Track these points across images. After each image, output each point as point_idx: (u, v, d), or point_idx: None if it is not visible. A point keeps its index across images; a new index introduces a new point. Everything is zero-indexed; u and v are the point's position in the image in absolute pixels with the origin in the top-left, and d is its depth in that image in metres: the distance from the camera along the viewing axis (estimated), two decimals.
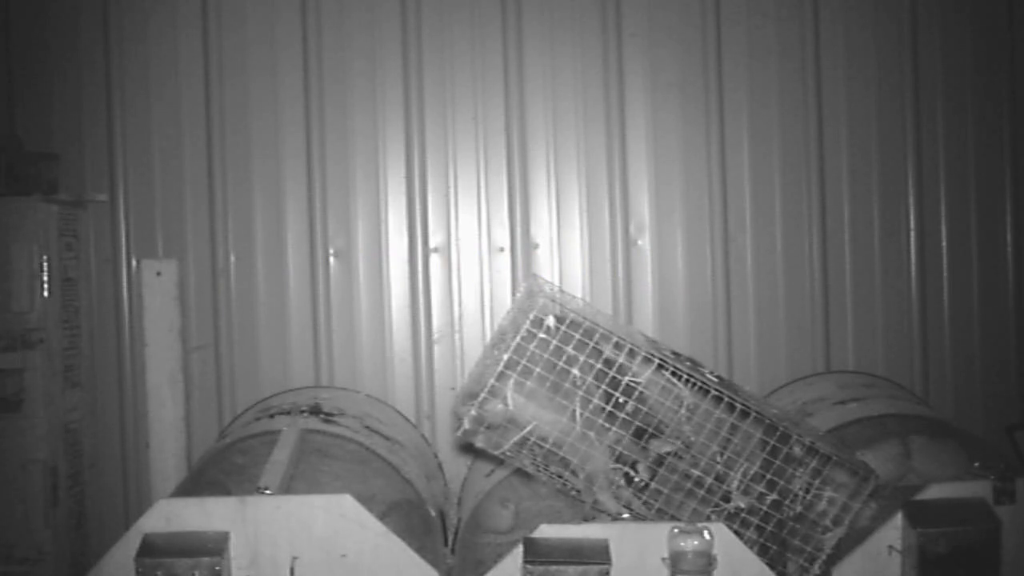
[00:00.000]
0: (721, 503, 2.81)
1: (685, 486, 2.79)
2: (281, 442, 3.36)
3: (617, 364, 2.70)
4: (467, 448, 3.01)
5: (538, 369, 2.66)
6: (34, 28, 4.71)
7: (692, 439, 2.75)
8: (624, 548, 2.68)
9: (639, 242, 4.78)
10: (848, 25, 4.80)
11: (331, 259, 4.74)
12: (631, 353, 2.70)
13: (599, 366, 2.71)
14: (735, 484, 2.80)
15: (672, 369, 2.72)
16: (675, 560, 2.63)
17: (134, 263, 4.69)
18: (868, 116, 4.82)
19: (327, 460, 3.35)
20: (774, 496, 2.80)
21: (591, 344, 2.70)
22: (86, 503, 4.52)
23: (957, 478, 3.15)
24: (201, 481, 3.30)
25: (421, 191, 4.75)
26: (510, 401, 2.66)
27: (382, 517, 2.93)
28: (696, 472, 2.78)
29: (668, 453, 2.78)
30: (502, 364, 2.65)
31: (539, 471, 2.81)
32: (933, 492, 2.95)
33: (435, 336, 4.74)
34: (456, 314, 4.74)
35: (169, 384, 4.49)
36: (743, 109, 4.79)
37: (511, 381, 2.66)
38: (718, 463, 2.78)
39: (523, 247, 4.76)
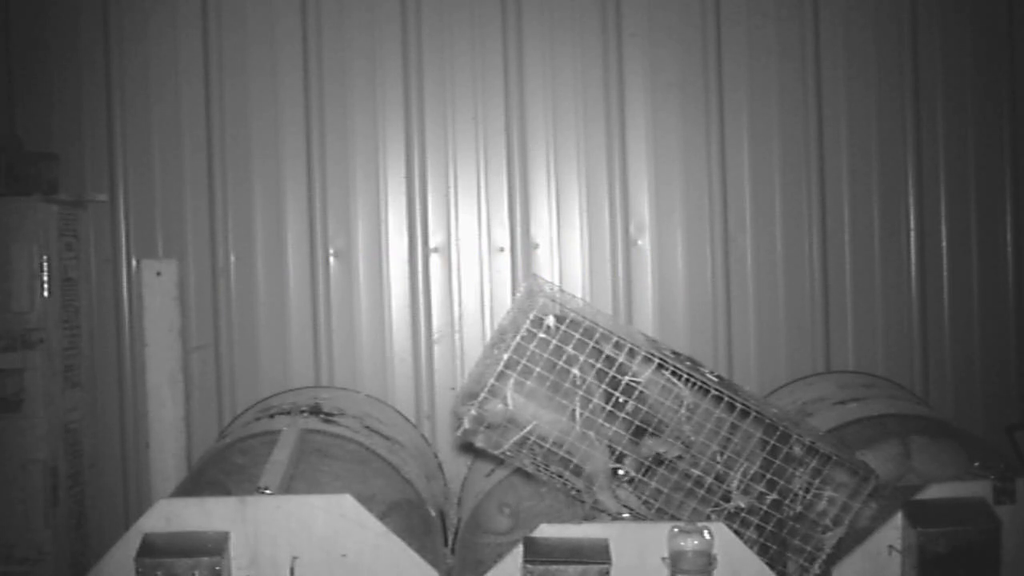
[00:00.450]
0: (721, 502, 2.81)
1: (685, 485, 2.79)
2: (281, 442, 3.36)
3: (617, 363, 2.70)
4: (467, 448, 3.01)
5: (538, 369, 2.66)
6: (34, 28, 4.71)
7: (692, 438, 2.75)
8: (624, 548, 2.68)
9: (639, 242, 4.78)
10: (848, 25, 4.80)
11: (331, 259, 4.74)
12: (631, 353, 2.70)
13: (599, 366, 2.70)
14: (735, 483, 2.79)
15: (672, 368, 2.72)
16: (675, 560, 2.63)
17: (134, 263, 4.69)
18: (868, 116, 4.82)
19: (327, 460, 3.35)
20: (774, 496, 2.80)
21: (591, 344, 2.70)
22: (86, 503, 4.52)
23: (957, 478, 3.14)
24: (201, 481, 3.30)
25: (421, 191, 4.75)
26: (510, 401, 2.66)
27: (382, 517, 2.93)
28: (696, 472, 2.78)
29: (662, 454, 2.78)
30: (502, 364, 2.65)
31: (539, 471, 2.81)
32: (933, 492, 2.94)
33: (435, 336, 4.74)
34: (456, 314, 4.74)
35: (169, 384, 4.49)
36: (743, 109, 4.79)
37: (511, 381, 2.66)
38: (718, 463, 2.78)
39: (523, 247, 4.76)
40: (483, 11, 4.75)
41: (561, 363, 2.67)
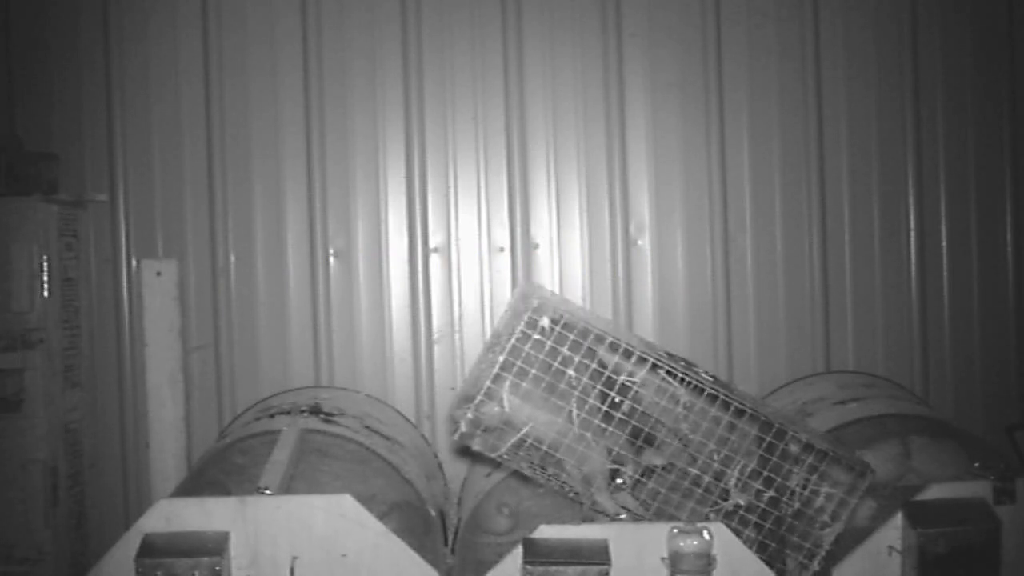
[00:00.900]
0: (720, 501, 2.81)
1: (683, 485, 2.79)
2: (281, 442, 3.36)
3: (612, 364, 2.69)
4: (466, 449, 3.01)
5: (533, 371, 2.66)
6: (34, 28, 4.71)
7: (690, 437, 2.75)
8: (623, 548, 2.68)
9: (639, 242, 4.78)
10: (848, 25, 4.80)
11: (331, 259, 4.74)
12: (626, 353, 2.70)
13: (594, 366, 2.70)
14: (733, 481, 2.79)
15: (667, 368, 2.72)
16: (674, 560, 2.63)
17: (134, 263, 4.69)
18: (868, 116, 4.82)
19: (327, 460, 3.35)
20: (772, 493, 2.80)
21: (586, 344, 2.69)
22: (86, 503, 4.52)
23: (957, 478, 3.15)
24: (201, 481, 3.30)
25: (421, 191, 4.75)
26: (506, 403, 2.65)
27: (382, 517, 2.93)
28: (694, 471, 2.78)
29: (658, 467, 2.78)
30: (497, 366, 2.65)
31: (536, 473, 2.81)
32: (933, 492, 2.95)
33: (435, 336, 4.74)
34: (456, 314, 4.74)
35: (169, 384, 4.49)
36: (743, 109, 4.79)
37: (507, 383, 2.66)
38: (715, 460, 2.78)
39: (523, 247, 4.76)
40: (483, 11, 4.75)
41: (557, 364, 2.67)
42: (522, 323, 2.65)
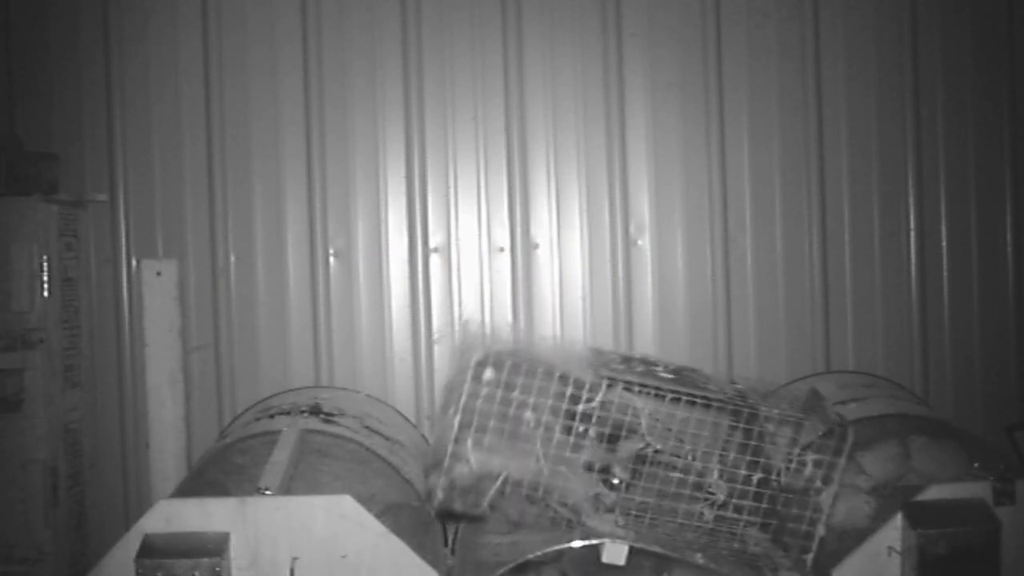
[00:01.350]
0: (708, 495, 2.80)
1: (670, 491, 2.78)
2: (281, 442, 3.36)
3: (567, 394, 2.68)
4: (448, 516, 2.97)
5: (492, 422, 2.64)
6: (34, 28, 4.71)
7: (659, 448, 2.75)
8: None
9: (639, 242, 4.78)
10: (848, 25, 4.80)
11: (331, 259, 4.74)
12: (577, 382, 2.69)
13: (551, 402, 2.68)
14: (716, 475, 2.78)
15: (624, 383, 2.71)
16: None
17: (134, 263, 4.69)
18: (868, 116, 4.82)
19: (327, 460, 3.35)
20: (760, 474, 2.80)
21: (537, 381, 2.67)
22: (86, 503, 4.52)
23: (957, 479, 3.14)
24: (201, 481, 3.30)
25: (421, 191, 4.75)
26: (472, 461, 2.64)
27: (382, 517, 2.93)
28: (676, 474, 2.77)
29: (641, 450, 2.77)
30: (456, 428, 2.64)
31: (525, 515, 2.77)
32: (933, 493, 2.94)
33: (435, 336, 4.74)
34: (456, 314, 4.74)
35: (169, 384, 4.48)
36: (743, 109, 4.79)
37: (469, 441, 2.64)
38: (694, 460, 2.77)
39: (523, 247, 4.76)
40: (483, 11, 4.75)
41: (513, 409, 2.65)
42: (468, 379, 2.64)
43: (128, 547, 2.70)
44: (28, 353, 4.24)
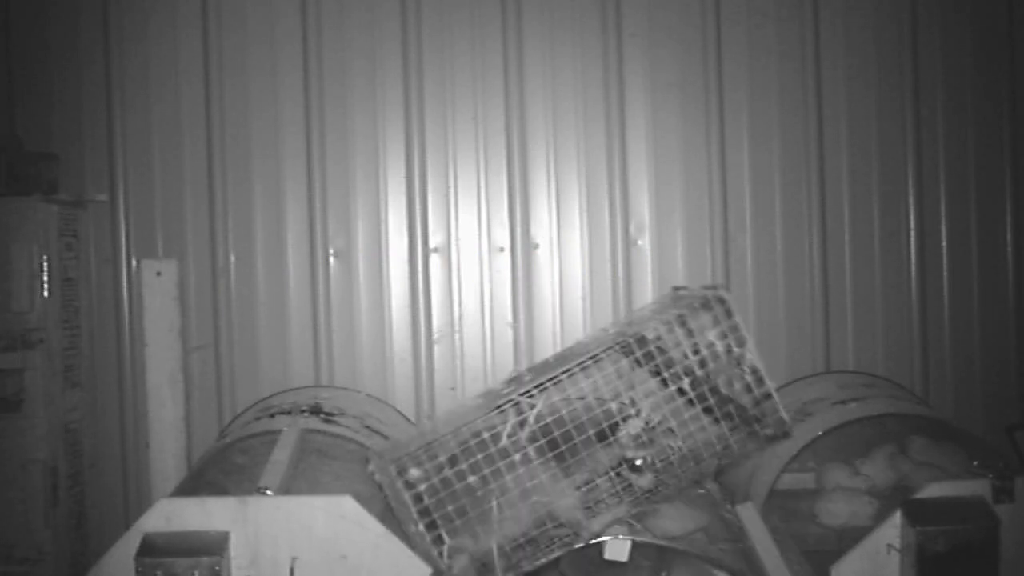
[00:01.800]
0: (672, 449, 2.81)
1: (656, 465, 2.80)
2: (281, 442, 3.36)
3: (500, 443, 2.69)
4: None
5: (450, 507, 2.65)
6: (34, 28, 4.71)
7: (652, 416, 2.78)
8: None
9: (639, 242, 4.78)
10: (848, 25, 4.80)
11: (331, 259, 4.74)
12: (494, 438, 2.70)
13: (488, 471, 2.68)
14: (647, 411, 2.81)
15: (524, 395, 2.74)
16: None
17: (134, 263, 4.69)
18: (868, 116, 4.82)
19: (327, 460, 3.35)
20: (686, 381, 2.85)
21: (463, 466, 2.68)
22: (86, 503, 4.52)
23: (956, 477, 3.14)
24: (201, 481, 3.30)
25: (421, 191, 4.75)
26: (454, 565, 2.65)
27: (382, 517, 2.93)
28: (649, 456, 2.78)
29: (644, 428, 2.79)
30: (423, 531, 2.65)
31: (538, 557, 2.76)
32: (932, 491, 2.94)
33: (435, 336, 4.74)
34: (456, 314, 4.74)
35: (169, 384, 4.48)
36: (743, 109, 4.79)
37: (443, 534, 2.66)
38: (636, 408, 2.80)
39: (523, 247, 4.76)
40: (483, 11, 4.75)
41: (458, 484, 2.65)
42: (403, 491, 2.65)
43: (128, 546, 2.70)
44: (28, 353, 4.24)
